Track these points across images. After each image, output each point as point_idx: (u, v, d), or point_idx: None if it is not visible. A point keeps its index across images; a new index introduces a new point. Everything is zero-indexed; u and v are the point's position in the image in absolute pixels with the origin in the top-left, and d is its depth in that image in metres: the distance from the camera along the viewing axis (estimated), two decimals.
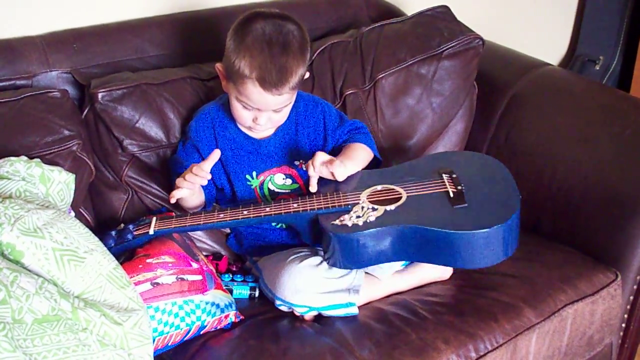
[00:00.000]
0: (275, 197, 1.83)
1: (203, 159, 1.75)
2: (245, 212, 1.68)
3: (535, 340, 1.70)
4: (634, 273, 1.90)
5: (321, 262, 1.68)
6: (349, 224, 1.60)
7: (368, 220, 1.60)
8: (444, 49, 2.10)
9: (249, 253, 1.87)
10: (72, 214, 1.66)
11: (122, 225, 1.75)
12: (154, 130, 1.87)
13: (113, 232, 1.70)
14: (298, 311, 1.67)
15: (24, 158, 1.61)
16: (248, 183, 1.83)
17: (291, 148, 1.85)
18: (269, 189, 1.83)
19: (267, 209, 1.68)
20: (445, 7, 2.20)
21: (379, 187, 1.71)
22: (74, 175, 1.67)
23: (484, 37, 2.15)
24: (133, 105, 1.84)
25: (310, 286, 1.64)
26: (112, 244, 1.66)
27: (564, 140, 2.04)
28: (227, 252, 1.95)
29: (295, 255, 1.71)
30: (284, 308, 1.69)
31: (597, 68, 3.07)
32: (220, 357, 1.62)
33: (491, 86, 2.21)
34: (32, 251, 1.39)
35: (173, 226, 1.69)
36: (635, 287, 1.93)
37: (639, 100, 2.09)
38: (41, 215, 1.45)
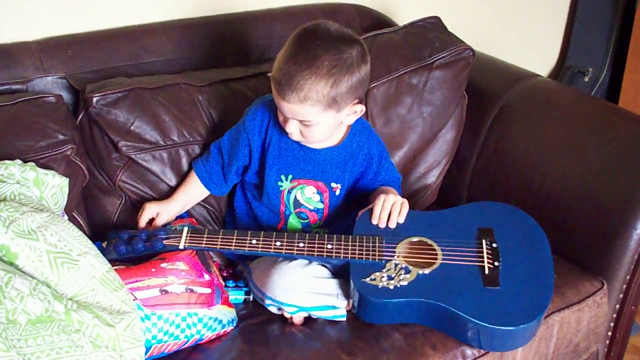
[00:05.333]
0: (297, 207, 1.84)
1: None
2: (278, 244, 1.67)
3: (522, 348, 1.70)
4: (620, 282, 1.92)
5: (310, 263, 1.70)
6: (379, 285, 1.59)
7: (399, 285, 1.59)
8: (435, 59, 2.12)
9: (242, 257, 1.87)
10: (65, 217, 1.67)
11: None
12: (149, 133, 1.88)
13: (143, 235, 1.69)
14: (287, 311, 1.68)
15: (19, 162, 1.62)
16: (279, 183, 1.82)
17: (334, 170, 1.83)
18: (295, 197, 1.83)
19: (301, 244, 1.67)
20: (437, 17, 2.22)
21: (415, 239, 1.70)
22: (68, 179, 1.68)
23: (475, 48, 2.16)
24: (127, 108, 1.85)
25: (299, 284, 1.65)
26: (142, 249, 1.67)
27: (552, 150, 2.06)
28: (219, 257, 1.95)
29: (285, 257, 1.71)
30: (273, 309, 1.70)
31: (586, 79, 3.09)
32: None
33: (481, 96, 2.22)
34: (27, 253, 1.40)
35: (204, 245, 1.69)
36: (621, 295, 1.94)
37: (627, 111, 2.10)
38: (35, 218, 1.46)
